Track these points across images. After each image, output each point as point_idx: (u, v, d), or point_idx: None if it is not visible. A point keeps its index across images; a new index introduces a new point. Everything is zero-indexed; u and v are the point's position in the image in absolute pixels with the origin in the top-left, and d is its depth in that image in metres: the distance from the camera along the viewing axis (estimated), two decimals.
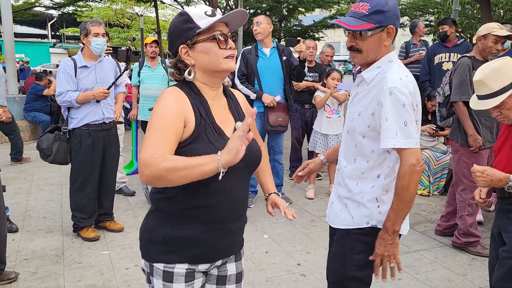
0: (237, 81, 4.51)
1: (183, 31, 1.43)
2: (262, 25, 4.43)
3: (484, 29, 3.49)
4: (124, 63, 4.40)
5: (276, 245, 3.70)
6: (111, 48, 4.48)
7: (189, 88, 1.47)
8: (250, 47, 4.64)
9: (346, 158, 1.88)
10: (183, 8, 17.12)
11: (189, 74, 1.46)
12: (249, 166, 1.52)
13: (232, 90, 1.67)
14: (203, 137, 1.40)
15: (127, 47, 4.72)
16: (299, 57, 4.39)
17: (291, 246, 3.69)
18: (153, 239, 1.49)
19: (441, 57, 5.44)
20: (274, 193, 1.73)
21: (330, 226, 2.03)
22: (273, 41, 4.57)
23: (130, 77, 5.68)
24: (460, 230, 3.63)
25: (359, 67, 1.96)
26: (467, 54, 3.67)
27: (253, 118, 1.26)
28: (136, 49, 21.40)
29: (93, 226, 3.85)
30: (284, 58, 4.50)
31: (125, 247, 3.65)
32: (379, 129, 1.70)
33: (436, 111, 3.92)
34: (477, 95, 2.29)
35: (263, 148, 1.72)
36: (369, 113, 1.74)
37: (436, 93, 3.99)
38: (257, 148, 1.57)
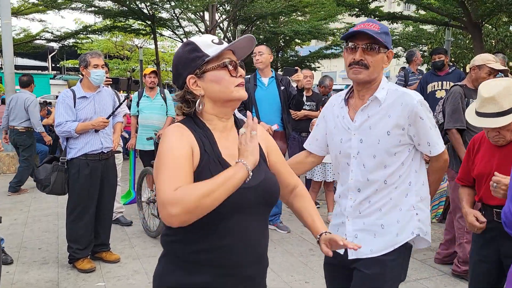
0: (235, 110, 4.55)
1: (191, 61, 1.37)
2: (264, 55, 4.54)
3: (479, 59, 3.56)
4: (125, 93, 4.47)
5: (275, 275, 3.66)
6: (111, 79, 4.56)
7: (194, 122, 1.40)
8: (248, 76, 4.72)
9: (369, 185, 1.85)
10: (182, 41, 17.48)
11: (199, 105, 1.38)
12: (265, 201, 1.40)
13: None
14: (206, 172, 1.31)
15: (128, 77, 4.81)
16: (297, 86, 4.46)
17: (290, 276, 3.65)
18: (164, 287, 1.39)
19: (434, 85, 5.54)
20: (327, 232, 1.51)
21: (343, 261, 1.87)
22: (271, 71, 4.66)
23: (129, 107, 5.75)
24: (459, 258, 3.60)
25: (345, 96, 1.95)
26: (459, 83, 3.74)
27: (254, 129, 1.28)
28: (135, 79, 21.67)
29: (89, 257, 3.81)
30: (282, 88, 4.58)
31: (121, 279, 3.59)
32: (409, 141, 1.83)
33: None
34: (480, 112, 2.19)
35: (300, 187, 1.61)
36: (400, 129, 1.80)
37: None
38: (273, 181, 1.45)
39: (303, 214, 1.59)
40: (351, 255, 1.87)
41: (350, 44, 1.79)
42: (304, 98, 4.74)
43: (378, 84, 1.85)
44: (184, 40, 16.77)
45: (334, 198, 2.15)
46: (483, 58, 3.55)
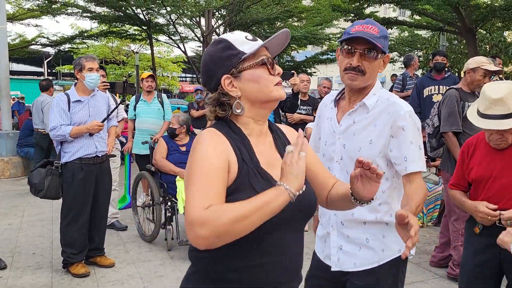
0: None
1: (225, 59, 1.25)
2: None
3: (473, 62, 3.58)
4: (121, 96, 4.47)
5: None
6: (109, 84, 4.55)
7: (228, 127, 1.27)
8: None
9: None
10: (178, 46, 17.52)
11: (239, 108, 1.26)
12: (303, 214, 1.31)
13: (279, 125, 1.47)
14: (246, 185, 1.20)
15: (124, 80, 4.83)
16: (292, 90, 4.47)
17: None
18: None
19: (431, 89, 5.56)
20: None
21: (332, 272, 1.81)
22: None
23: (126, 112, 5.75)
24: (454, 261, 3.60)
25: (335, 97, 1.88)
26: (454, 86, 3.76)
27: (301, 142, 1.13)
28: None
29: (83, 261, 3.78)
30: None
31: (116, 283, 3.57)
32: (389, 155, 1.71)
33: (426, 142, 3.97)
34: (486, 114, 2.13)
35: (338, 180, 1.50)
36: (382, 140, 1.70)
37: (426, 124, 4.06)
38: (312, 194, 1.34)
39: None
40: (334, 267, 1.80)
41: (347, 47, 1.69)
42: (300, 102, 4.75)
43: (370, 89, 1.76)
44: (180, 45, 16.84)
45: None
46: (476, 61, 3.57)
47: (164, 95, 5.66)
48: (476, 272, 2.29)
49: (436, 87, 5.55)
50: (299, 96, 4.59)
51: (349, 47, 1.68)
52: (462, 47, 14.58)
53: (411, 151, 1.67)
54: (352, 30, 1.70)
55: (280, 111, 5.04)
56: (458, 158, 2.43)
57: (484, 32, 13.59)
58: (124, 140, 5.88)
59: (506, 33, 14.02)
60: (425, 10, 10.96)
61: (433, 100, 5.49)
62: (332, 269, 1.81)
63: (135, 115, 5.48)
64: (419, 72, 14.65)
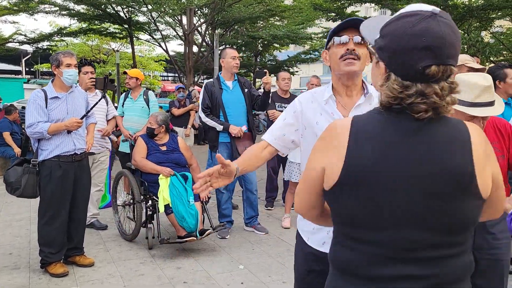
0: (201, 114, 4.61)
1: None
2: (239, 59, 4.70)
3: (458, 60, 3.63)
4: (101, 91, 4.41)
5: (252, 276, 3.64)
6: (95, 80, 4.46)
7: None
8: (211, 80, 4.80)
9: None
10: (160, 45, 17.36)
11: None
12: None
13: None
14: None
15: (105, 75, 4.72)
16: (264, 88, 4.55)
17: (267, 276, 3.63)
18: None
19: None
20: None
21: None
22: (234, 75, 4.70)
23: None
24: None
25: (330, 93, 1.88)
26: None
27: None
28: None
29: (61, 261, 3.71)
30: (246, 90, 4.71)
31: (95, 283, 3.51)
32: None
33: None
34: (478, 102, 2.10)
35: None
36: None
37: None
38: None
39: None
40: None
41: (343, 37, 1.75)
42: (279, 99, 4.81)
43: (361, 80, 1.83)
44: (162, 44, 16.69)
45: None
46: (461, 59, 3.63)
47: (151, 93, 5.57)
48: None
49: None
50: (270, 94, 4.68)
51: (345, 37, 1.75)
52: None
53: None
54: (341, 26, 1.78)
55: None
56: None
57: (462, 32, 13.85)
58: (115, 138, 5.78)
59: (483, 33, 14.31)
60: None
61: None
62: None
63: (123, 112, 5.44)
64: None
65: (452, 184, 1.11)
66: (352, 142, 1.15)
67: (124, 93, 5.66)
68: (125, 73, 5.51)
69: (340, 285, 1.22)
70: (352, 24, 1.75)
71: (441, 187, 1.11)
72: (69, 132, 3.58)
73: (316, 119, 1.86)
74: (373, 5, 11.74)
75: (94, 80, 4.37)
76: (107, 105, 4.99)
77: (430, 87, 1.09)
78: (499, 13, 10.84)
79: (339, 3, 11.64)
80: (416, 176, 1.11)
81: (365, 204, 1.14)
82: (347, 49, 1.74)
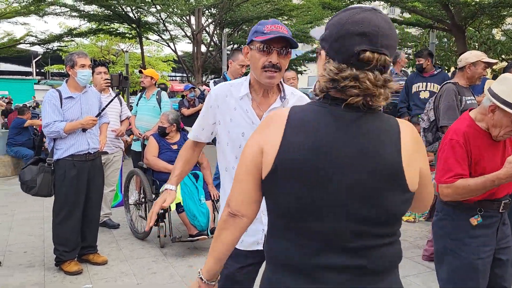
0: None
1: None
2: None
3: (473, 56, 3.60)
4: (116, 89, 4.44)
5: None
6: (111, 76, 4.49)
7: None
8: (219, 79, 4.82)
9: None
10: (168, 45, 17.43)
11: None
12: None
13: None
14: None
15: (119, 72, 4.76)
16: None
17: None
18: None
19: (418, 86, 5.63)
20: None
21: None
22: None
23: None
24: None
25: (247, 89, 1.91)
26: (451, 81, 3.78)
27: None
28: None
29: (75, 259, 3.75)
30: None
31: (109, 280, 3.55)
32: None
33: (422, 136, 4.00)
34: None
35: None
36: None
37: (420, 119, 4.09)
38: None
39: None
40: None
41: (264, 46, 1.75)
42: None
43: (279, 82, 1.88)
44: (171, 44, 16.74)
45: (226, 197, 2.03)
46: (475, 55, 3.60)
47: (163, 93, 5.58)
48: (487, 263, 2.21)
49: (424, 83, 5.61)
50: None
51: (267, 46, 1.74)
52: (451, 44, 14.71)
53: None
54: (265, 29, 1.76)
55: None
56: (459, 149, 2.22)
57: (473, 29, 13.72)
58: (128, 139, 5.83)
59: (494, 31, 14.17)
60: (415, 7, 11.03)
61: (420, 96, 5.56)
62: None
63: (136, 111, 5.50)
64: (409, 70, 14.77)
65: (381, 175, 1.14)
66: (288, 131, 1.18)
67: (140, 92, 5.71)
68: (140, 72, 5.55)
69: (275, 278, 1.24)
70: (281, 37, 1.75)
71: (370, 178, 1.14)
72: (84, 130, 3.62)
73: (231, 115, 1.88)
74: (382, 3, 11.66)
75: (109, 80, 4.40)
76: (121, 105, 5.03)
77: (364, 73, 1.12)
78: (511, 11, 10.70)
79: (348, 2, 11.59)
80: (346, 167, 1.14)
81: (297, 194, 1.16)
82: (270, 61, 1.76)
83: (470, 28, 12.81)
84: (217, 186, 4.45)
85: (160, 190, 1.61)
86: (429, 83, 5.57)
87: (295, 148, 1.16)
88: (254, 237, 1.88)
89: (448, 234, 2.29)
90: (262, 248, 1.85)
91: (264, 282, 1.28)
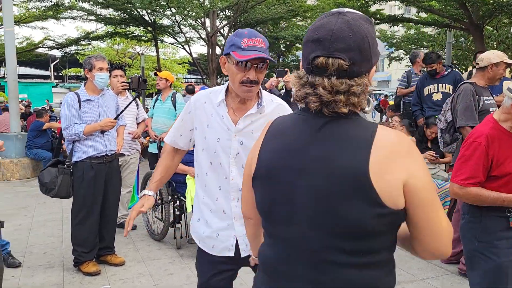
0: None
1: (377, 45, 1.16)
2: None
3: (496, 57, 3.54)
4: (135, 92, 4.49)
5: None
6: (128, 83, 4.55)
7: None
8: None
9: None
10: (183, 47, 17.57)
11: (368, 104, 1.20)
12: None
13: None
14: None
15: (139, 75, 4.83)
16: (285, 87, 4.60)
17: None
18: None
19: (430, 88, 5.55)
20: None
21: (234, 260, 1.91)
22: None
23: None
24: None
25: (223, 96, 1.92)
26: (468, 81, 3.72)
27: None
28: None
29: (94, 260, 3.80)
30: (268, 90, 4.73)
31: (126, 281, 3.58)
32: None
33: (439, 137, 3.95)
34: None
35: None
36: None
37: (437, 119, 4.04)
38: None
39: None
40: (245, 253, 1.89)
41: (241, 62, 1.73)
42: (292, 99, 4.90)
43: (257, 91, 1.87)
44: (186, 46, 16.87)
45: (198, 203, 2.01)
46: (498, 55, 3.54)
47: (179, 95, 5.62)
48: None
49: (435, 85, 5.53)
50: (292, 92, 4.71)
51: (245, 63, 1.73)
52: (468, 43, 14.49)
53: None
54: (243, 43, 1.72)
55: None
56: (477, 152, 2.22)
57: (491, 28, 13.50)
58: (144, 141, 5.91)
59: None
60: (431, 6, 10.90)
61: (432, 99, 5.49)
62: (243, 255, 1.89)
63: (153, 113, 5.57)
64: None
65: (344, 183, 1.06)
66: (265, 140, 1.23)
67: (156, 95, 5.76)
68: (155, 74, 5.60)
69: (257, 277, 1.29)
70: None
71: (333, 186, 1.07)
72: (102, 132, 3.67)
73: (208, 121, 1.90)
74: (397, 2, 11.55)
75: (127, 83, 4.45)
76: (137, 108, 5.09)
77: (319, 80, 1.09)
78: None
79: (363, 2, 11.51)
80: (308, 171, 1.11)
81: (268, 199, 1.19)
82: (248, 77, 1.75)
83: (488, 27, 12.60)
84: None
85: (139, 196, 1.67)
86: (440, 84, 5.50)
87: (267, 154, 1.20)
88: (224, 243, 1.91)
89: (476, 236, 2.25)
90: (234, 255, 1.90)
91: (253, 281, 1.33)
